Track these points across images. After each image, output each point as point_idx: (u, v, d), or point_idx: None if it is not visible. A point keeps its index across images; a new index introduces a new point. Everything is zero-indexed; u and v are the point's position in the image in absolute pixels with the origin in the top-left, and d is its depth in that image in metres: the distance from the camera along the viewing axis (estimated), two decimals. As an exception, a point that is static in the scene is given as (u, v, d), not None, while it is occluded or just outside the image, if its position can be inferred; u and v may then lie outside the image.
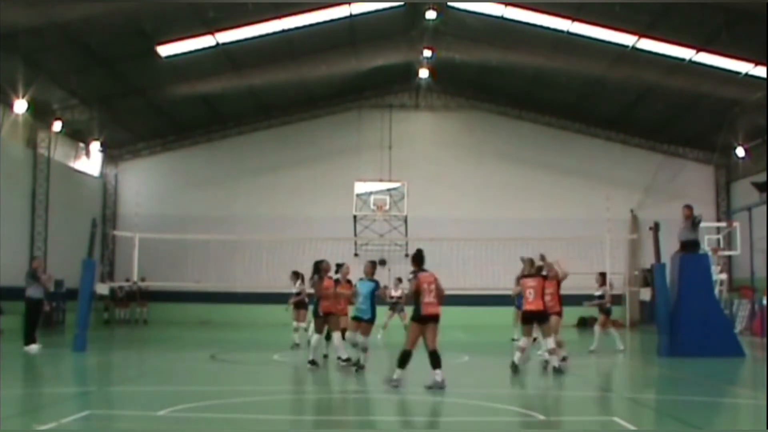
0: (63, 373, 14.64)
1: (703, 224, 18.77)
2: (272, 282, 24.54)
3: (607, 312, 19.30)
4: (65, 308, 27.54)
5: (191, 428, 8.58)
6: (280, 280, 23.41)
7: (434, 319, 11.56)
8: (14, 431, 8.07)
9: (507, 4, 24.57)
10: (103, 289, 22.47)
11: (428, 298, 11.51)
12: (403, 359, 11.34)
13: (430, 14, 26.24)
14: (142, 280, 22.53)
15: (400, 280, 21.70)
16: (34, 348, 17.30)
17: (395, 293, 21.20)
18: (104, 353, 18.66)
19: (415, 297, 11.56)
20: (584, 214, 31.19)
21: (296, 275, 19.35)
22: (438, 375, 11.10)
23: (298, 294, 19.27)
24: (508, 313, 25.99)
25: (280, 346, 19.30)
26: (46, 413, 9.27)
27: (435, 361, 11.20)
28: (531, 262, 14.48)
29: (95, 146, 32.16)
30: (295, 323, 19.33)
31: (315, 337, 14.55)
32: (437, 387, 11.00)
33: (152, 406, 9.37)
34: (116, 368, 15.63)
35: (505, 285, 19.20)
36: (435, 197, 32.33)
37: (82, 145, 31.71)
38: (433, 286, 11.66)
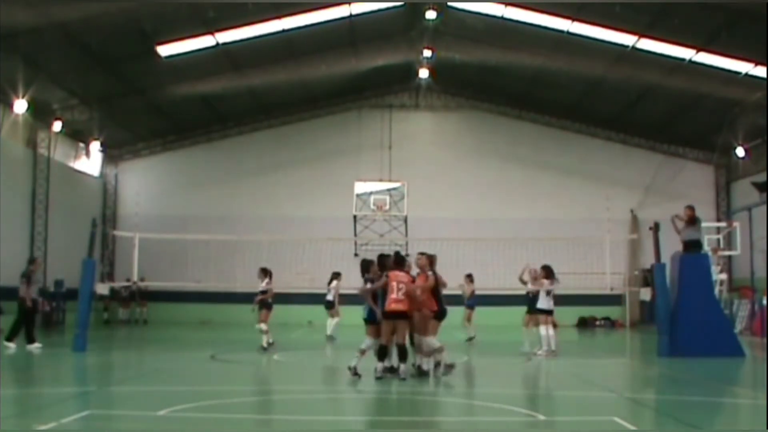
0: (63, 373, 14.64)
1: (703, 224, 18.76)
2: (272, 282, 24.50)
3: (531, 311, 18.67)
4: (65, 308, 27.54)
5: (191, 428, 8.58)
6: (280, 280, 23.38)
7: (399, 315, 12.34)
8: (14, 431, 8.07)
9: (507, 4, 24.56)
10: (103, 289, 22.47)
11: (395, 295, 12.27)
12: (381, 353, 12.39)
13: (430, 14, 26.22)
14: (141, 280, 22.50)
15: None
16: (33, 347, 17.35)
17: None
18: (104, 353, 18.66)
19: (384, 294, 12.46)
20: (584, 214, 31.20)
21: (264, 272, 18.83)
22: (402, 368, 12.13)
23: (263, 292, 18.60)
24: (508, 313, 26.06)
25: (280, 346, 19.29)
26: (46, 413, 9.27)
27: (401, 354, 12.23)
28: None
29: (95, 146, 32.16)
30: (262, 325, 18.21)
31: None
32: (399, 377, 12.13)
33: (152, 406, 9.37)
34: (116, 368, 15.63)
35: (505, 285, 19.18)
36: (435, 197, 32.33)
37: (82, 145, 31.71)
38: (402, 285, 12.37)
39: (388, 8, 26.27)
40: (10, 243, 25.25)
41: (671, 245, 18.29)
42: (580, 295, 26.07)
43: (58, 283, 27.38)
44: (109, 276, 31.19)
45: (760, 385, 12.02)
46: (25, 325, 17.94)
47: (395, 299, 12.31)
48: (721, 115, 28.30)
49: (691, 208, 18.07)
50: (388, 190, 30.83)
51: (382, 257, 13.26)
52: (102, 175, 33.64)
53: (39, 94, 24.80)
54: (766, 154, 29.01)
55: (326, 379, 13.87)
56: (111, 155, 33.74)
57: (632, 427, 8.48)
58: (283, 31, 25.40)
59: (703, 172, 33.92)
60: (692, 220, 17.86)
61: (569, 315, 31.16)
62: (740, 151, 30.82)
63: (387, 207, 30.25)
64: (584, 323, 32.09)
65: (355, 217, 30.74)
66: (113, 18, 22.13)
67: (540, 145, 33.83)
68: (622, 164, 33.54)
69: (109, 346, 21.14)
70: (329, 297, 22.12)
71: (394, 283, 12.37)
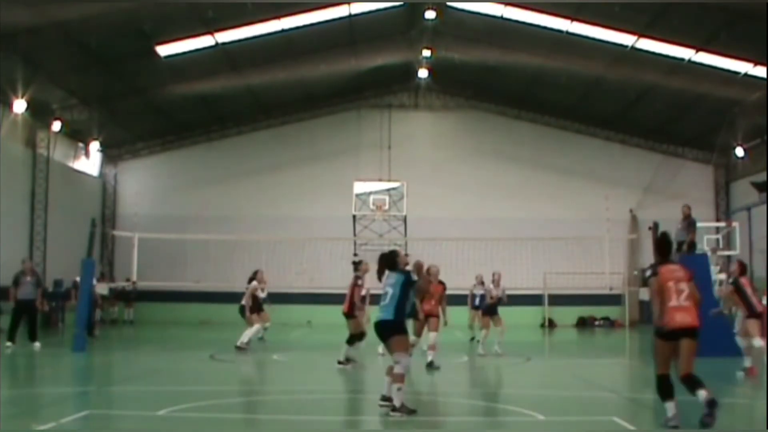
0: (63, 373, 14.63)
1: (702, 224, 18.80)
2: (272, 282, 24.53)
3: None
4: (65, 308, 27.51)
5: (191, 428, 8.58)
6: (279, 280, 23.41)
7: (687, 332, 8.08)
8: (14, 431, 8.07)
9: (506, 4, 24.57)
10: (102, 288, 22.51)
11: (676, 301, 8.07)
12: (664, 389, 8.15)
13: (430, 14, 26.23)
14: (127, 280, 22.31)
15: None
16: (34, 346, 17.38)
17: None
18: (104, 353, 18.64)
19: (656, 303, 8.23)
20: (584, 214, 31.22)
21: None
22: (701, 395, 7.92)
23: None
24: (508, 312, 26.02)
25: (279, 345, 19.30)
26: (45, 413, 9.27)
27: (691, 385, 8.05)
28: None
29: (94, 146, 32.13)
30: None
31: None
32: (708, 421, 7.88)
33: (152, 406, 9.37)
34: (116, 368, 15.62)
35: (505, 285, 19.11)
36: (434, 197, 32.32)
37: (81, 145, 31.69)
38: (683, 285, 8.15)
39: (387, 8, 26.28)
40: (9, 243, 25.22)
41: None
42: (579, 294, 26.15)
43: (58, 283, 27.36)
44: (108, 276, 31.14)
45: (760, 385, 12.02)
46: (27, 324, 17.98)
47: (679, 307, 8.10)
48: (720, 115, 28.30)
49: (688, 206, 18.17)
50: (388, 189, 30.84)
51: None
52: (101, 175, 33.62)
53: (38, 93, 24.78)
54: (765, 154, 29.01)
55: (326, 379, 13.85)
56: (110, 155, 33.73)
57: (632, 427, 8.49)
58: (283, 31, 25.40)
59: (702, 172, 33.93)
60: (687, 220, 17.99)
61: (569, 315, 31.20)
62: (739, 151, 30.83)
63: (386, 207, 30.26)
64: (583, 323, 32.09)
65: (354, 216, 30.75)
66: (113, 18, 22.13)
67: (539, 145, 33.83)
68: (622, 164, 33.56)
69: (108, 346, 21.11)
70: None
71: (672, 283, 8.16)
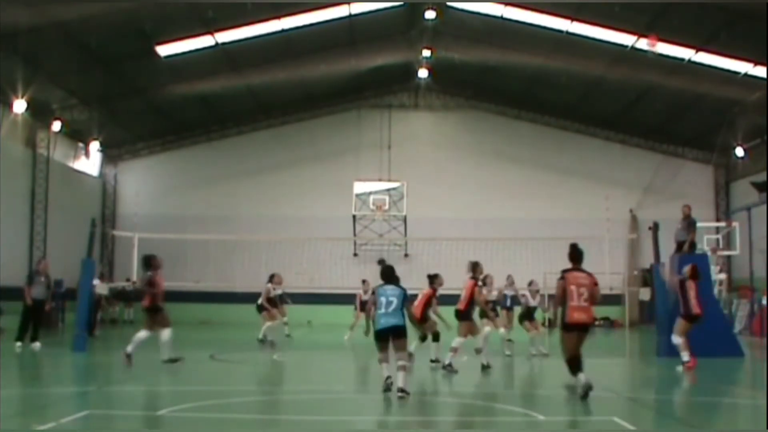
0: (63, 373, 14.64)
1: (702, 224, 18.80)
2: (272, 282, 24.56)
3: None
4: (65, 308, 27.50)
5: (191, 428, 8.58)
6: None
7: (582, 328, 10.39)
8: (14, 431, 8.07)
9: (507, 4, 24.58)
10: (102, 288, 22.42)
11: (576, 302, 10.21)
12: (574, 366, 10.30)
13: (430, 14, 26.24)
14: (130, 281, 22.31)
15: (364, 281, 22.41)
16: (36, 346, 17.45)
17: (364, 297, 22.09)
18: (104, 353, 18.64)
19: (557, 301, 10.60)
20: (584, 214, 31.18)
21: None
22: (581, 378, 10.13)
23: None
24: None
25: (279, 345, 19.31)
26: (45, 413, 9.27)
27: (574, 367, 10.27)
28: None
29: (94, 146, 32.13)
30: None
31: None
32: (582, 391, 10.06)
33: (152, 406, 9.38)
34: (116, 368, 15.61)
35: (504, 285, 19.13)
36: (434, 197, 32.33)
37: (81, 144, 31.69)
38: (584, 289, 10.26)
39: (387, 8, 26.29)
40: (9, 243, 25.23)
41: (670, 245, 18.31)
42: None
43: (58, 283, 27.30)
44: (108, 276, 31.09)
45: (760, 385, 12.03)
46: (32, 323, 18.04)
47: (578, 307, 10.29)
48: (720, 115, 28.30)
49: (688, 206, 18.21)
50: (388, 189, 30.86)
51: None
52: (101, 174, 33.62)
53: (38, 93, 24.77)
54: (765, 153, 29.01)
55: (326, 379, 13.86)
56: (110, 155, 33.73)
57: (632, 427, 8.49)
58: (283, 31, 25.41)
59: (702, 172, 33.91)
60: (687, 220, 18.03)
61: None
62: (739, 151, 30.84)
63: (386, 207, 30.27)
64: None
65: (354, 217, 30.76)
66: (113, 18, 22.14)
67: (539, 145, 33.83)
68: (622, 164, 33.55)
69: (109, 346, 21.10)
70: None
71: (573, 287, 10.30)
